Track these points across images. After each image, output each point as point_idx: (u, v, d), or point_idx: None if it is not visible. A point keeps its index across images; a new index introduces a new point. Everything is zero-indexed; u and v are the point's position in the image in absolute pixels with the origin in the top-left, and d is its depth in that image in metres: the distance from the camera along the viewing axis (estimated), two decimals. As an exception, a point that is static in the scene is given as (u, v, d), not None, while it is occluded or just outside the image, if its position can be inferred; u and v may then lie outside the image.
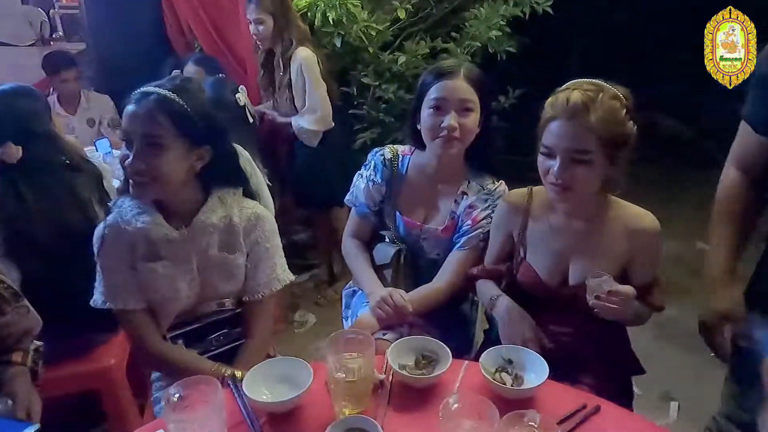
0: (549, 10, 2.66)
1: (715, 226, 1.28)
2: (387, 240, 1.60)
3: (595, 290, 1.20)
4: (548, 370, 1.07)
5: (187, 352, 1.30)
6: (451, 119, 1.40)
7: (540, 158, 1.25)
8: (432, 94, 1.43)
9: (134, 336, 1.30)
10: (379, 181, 1.57)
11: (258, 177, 2.12)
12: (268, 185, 2.57)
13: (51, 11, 4.94)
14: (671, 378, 2.39)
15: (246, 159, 2.09)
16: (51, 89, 3.38)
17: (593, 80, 1.23)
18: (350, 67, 2.97)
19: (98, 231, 1.27)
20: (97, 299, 1.27)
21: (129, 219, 1.23)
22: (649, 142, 5.01)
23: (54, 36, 4.89)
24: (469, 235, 1.49)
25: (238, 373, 1.18)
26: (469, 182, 1.53)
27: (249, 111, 2.42)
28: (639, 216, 1.31)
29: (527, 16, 2.72)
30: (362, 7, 2.77)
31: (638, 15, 4.89)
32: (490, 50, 2.75)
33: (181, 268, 1.26)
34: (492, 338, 1.51)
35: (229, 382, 1.07)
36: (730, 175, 1.25)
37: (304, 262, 3.20)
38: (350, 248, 1.64)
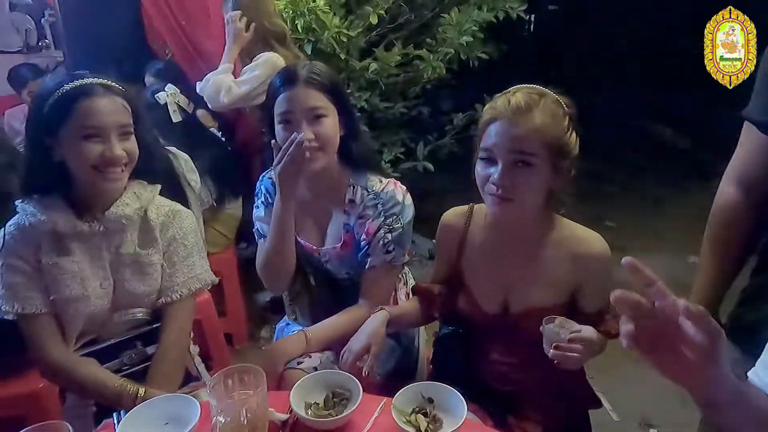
0: (522, 14, 2.57)
1: (704, 250, 1.16)
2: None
3: (552, 339, 1.06)
4: (465, 412, 0.95)
5: (91, 364, 1.21)
6: (305, 131, 1.26)
7: (479, 166, 1.13)
8: (278, 107, 1.30)
9: (33, 344, 1.19)
10: (269, 203, 1.44)
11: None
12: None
13: (42, 19, 4.95)
14: (652, 403, 2.25)
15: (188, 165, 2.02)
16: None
17: (535, 86, 1.13)
18: (323, 75, 2.88)
19: (3, 231, 1.19)
20: None
21: (34, 214, 1.16)
22: (641, 151, 4.89)
23: (41, 44, 4.89)
24: (373, 255, 1.36)
25: (142, 391, 1.13)
26: (353, 188, 1.38)
27: (172, 109, 2.33)
28: (586, 239, 1.18)
29: (500, 21, 2.62)
30: (334, 14, 2.68)
31: (633, 21, 4.78)
32: (462, 57, 2.65)
33: (91, 265, 1.20)
34: (439, 367, 1.40)
35: (113, 417, 0.96)
36: (727, 194, 1.10)
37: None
38: None
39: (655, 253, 3.40)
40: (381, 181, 1.38)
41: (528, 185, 1.09)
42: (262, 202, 1.46)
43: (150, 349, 1.28)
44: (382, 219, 1.34)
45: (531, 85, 1.14)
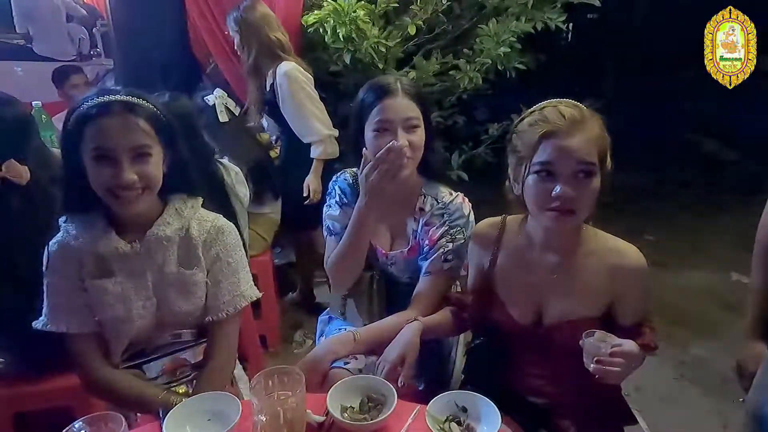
0: (561, 25, 2.55)
1: (754, 267, 1.15)
2: None
3: (593, 353, 1.05)
4: (500, 422, 0.96)
5: (132, 378, 1.21)
6: (400, 139, 1.32)
7: (533, 181, 1.11)
8: (375, 115, 1.35)
9: (77, 360, 1.20)
10: (352, 202, 1.48)
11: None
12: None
13: (94, 29, 5.20)
14: (691, 424, 2.18)
15: (236, 173, 2.09)
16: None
17: (562, 99, 1.14)
18: (362, 84, 2.92)
19: (47, 249, 1.19)
20: (40, 321, 1.19)
21: (77, 234, 1.16)
22: (685, 163, 4.77)
23: (92, 52, 5.14)
24: (431, 259, 1.40)
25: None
26: (425, 197, 1.45)
27: (220, 110, 2.41)
28: (621, 250, 1.17)
29: (539, 32, 2.61)
30: (373, 24, 2.73)
31: (674, 31, 4.66)
32: (499, 67, 2.65)
33: (135, 286, 1.19)
34: (472, 378, 1.40)
35: (160, 412, 1.01)
36: None
37: (321, 280, 3.13)
38: None
39: (695, 268, 3.30)
40: (451, 194, 1.46)
41: (589, 195, 1.09)
42: (336, 201, 1.52)
43: (194, 366, 1.28)
44: (446, 228, 1.41)
45: (560, 99, 1.14)
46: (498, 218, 1.30)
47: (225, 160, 2.09)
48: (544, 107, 1.13)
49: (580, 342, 1.07)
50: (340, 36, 2.64)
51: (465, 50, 2.82)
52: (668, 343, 2.54)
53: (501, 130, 2.89)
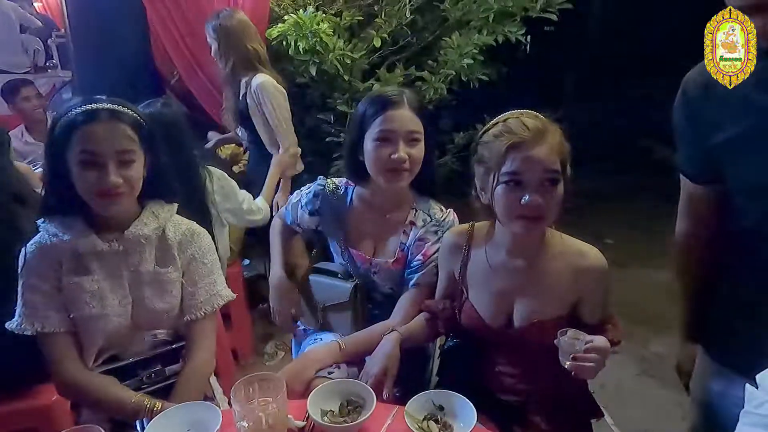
0: (521, 38, 2.65)
1: (677, 278, 1.22)
2: (339, 276, 1.53)
3: (568, 350, 1.09)
4: (476, 418, 1.00)
5: (107, 380, 1.22)
6: (401, 150, 1.35)
7: (502, 191, 1.15)
8: (378, 125, 1.36)
9: (52, 361, 1.21)
10: (308, 208, 1.53)
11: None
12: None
13: (49, 40, 5.05)
14: (654, 417, 2.28)
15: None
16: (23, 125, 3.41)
17: (522, 111, 1.19)
18: (327, 95, 2.96)
19: (24, 250, 1.21)
20: (14, 322, 1.19)
21: (56, 233, 1.18)
22: (641, 169, 4.93)
23: (48, 64, 4.98)
24: (422, 272, 1.42)
25: (158, 405, 1.14)
26: (416, 211, 1.47)
27: None
28: (585, 253, 1.24)
29: (500, 44, 2.71)
30: (339, 36, 2.77)
31: (628, 41, 4.90)
32: (463, 78, 2.73)
33: (111, 284, 1.22)
34: (446, 379, 1.44)
35: (137, 425, 1.00)
36: (679, 227, 1.18)
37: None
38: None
39: (654, 269, 3.43)
40: (442, 210, 1.48)
41: (555, 202, 1.14)
42: (307, 202, 1.55)
43: (169, 369, 1.30)
44: (440, 244, 1.41)
45: (521, 111, 1.19)
46: (466, 225, 1.34)
47: (214, 168, 2.08)
48: (507, 118, 1.18)
49: (555, 341, 1.12)
50: (301, 49, 2.67)
51: (429, 62, 2.89)
52: (630, 341, 2.64)
53: (466, 139, 2.97)
